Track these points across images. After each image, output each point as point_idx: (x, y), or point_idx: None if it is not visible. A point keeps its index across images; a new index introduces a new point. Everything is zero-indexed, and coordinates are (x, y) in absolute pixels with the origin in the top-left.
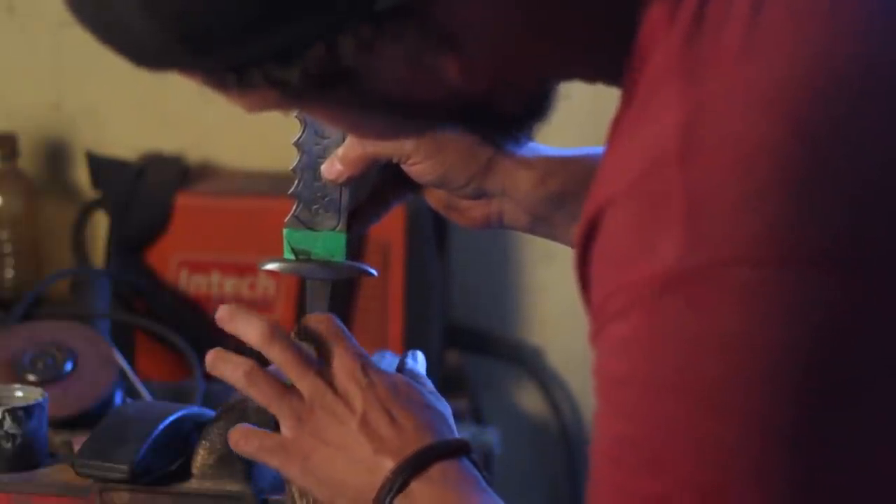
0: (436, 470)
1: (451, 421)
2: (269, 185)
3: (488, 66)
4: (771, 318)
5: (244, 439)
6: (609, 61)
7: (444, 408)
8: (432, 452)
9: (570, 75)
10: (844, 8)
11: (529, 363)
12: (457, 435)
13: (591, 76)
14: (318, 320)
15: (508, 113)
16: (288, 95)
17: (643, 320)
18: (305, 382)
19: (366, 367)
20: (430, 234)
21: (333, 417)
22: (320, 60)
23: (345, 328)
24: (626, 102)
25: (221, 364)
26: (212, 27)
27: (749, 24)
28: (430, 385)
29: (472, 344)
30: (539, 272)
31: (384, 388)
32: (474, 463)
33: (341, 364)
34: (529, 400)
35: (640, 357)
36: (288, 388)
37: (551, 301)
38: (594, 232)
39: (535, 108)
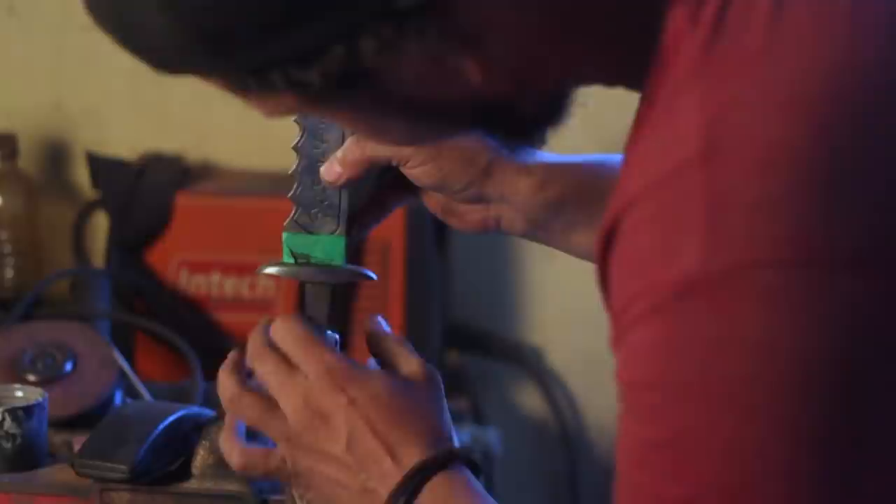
0: (427, 492)
1: (443, 414)
2: (270, 185)
3: (510, 67)
4: (794, 321)
5: (245, 466)
6: (631, 65)
7: (433, 401)
8: (421, 475)
9: (590, 79)
10: (865, 9)
11: (529, 363)
12: (448, 430)
13: (611, 80)
14: (284, 330)
15: (528, 116)
16: (308, 98)
17: (665, 325)
18: (286, 404)
19: (344, 380)
20: (430, 234)
21: (317, 441)
22: (341, 61)
23: (311, 331)
24: (648, 106)
25: (218, 387)
26: (232, 26)
27: (770, 25)
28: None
29: (472, 344)
30: (539, 272)
31: (365, 402)
32: (471, 463)
33: (317, 382)
34: (529, 400)
35: (664, 362)
36: (273, 407)
37: (551, 301)
38: (614, 235)
39: (553, 111)
